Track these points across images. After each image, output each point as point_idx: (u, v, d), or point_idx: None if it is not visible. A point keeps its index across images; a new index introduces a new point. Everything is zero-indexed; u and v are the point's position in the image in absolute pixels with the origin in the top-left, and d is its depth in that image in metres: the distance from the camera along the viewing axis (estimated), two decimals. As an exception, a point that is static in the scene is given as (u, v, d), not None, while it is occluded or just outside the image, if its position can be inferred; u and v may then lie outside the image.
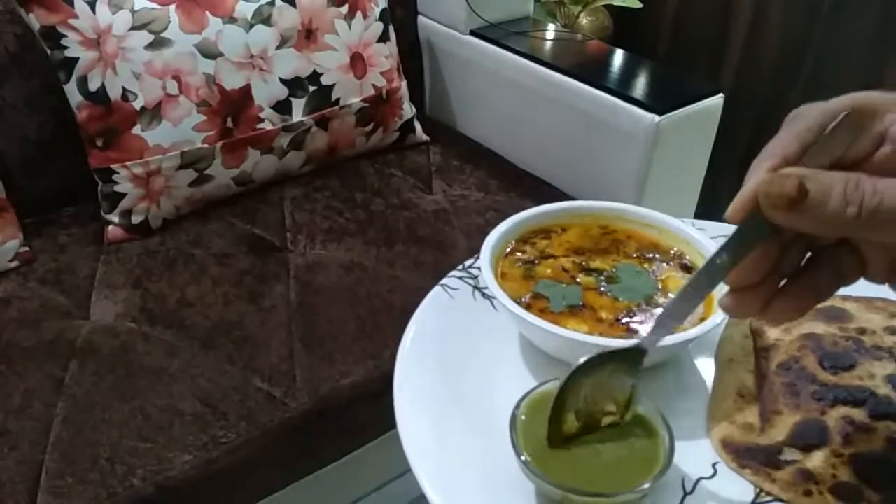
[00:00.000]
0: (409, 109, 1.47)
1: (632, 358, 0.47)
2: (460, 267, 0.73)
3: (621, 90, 1.29)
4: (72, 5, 1.13)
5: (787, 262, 0.39)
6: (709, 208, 1.38)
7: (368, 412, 1.01)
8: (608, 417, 0.49)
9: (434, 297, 0.70)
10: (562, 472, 0.46)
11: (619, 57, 1.46)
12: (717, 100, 1.32)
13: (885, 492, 0.46)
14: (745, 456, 0.51)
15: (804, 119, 0.38)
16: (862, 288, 0.62)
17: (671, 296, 0.62)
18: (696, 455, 0.52)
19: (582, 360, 0.47)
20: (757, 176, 0.37)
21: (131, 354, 0.98)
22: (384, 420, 1.05)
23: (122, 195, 1.19)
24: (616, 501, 0.45)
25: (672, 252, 0.67)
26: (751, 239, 0.38)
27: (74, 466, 0.85)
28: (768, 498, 0.49)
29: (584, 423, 0.49)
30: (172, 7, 1.18)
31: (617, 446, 0.48)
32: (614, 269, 0.65)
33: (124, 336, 1.01)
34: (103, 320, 1.05)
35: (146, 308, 1.06)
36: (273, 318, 1.05)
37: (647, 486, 0.45)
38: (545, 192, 1.39)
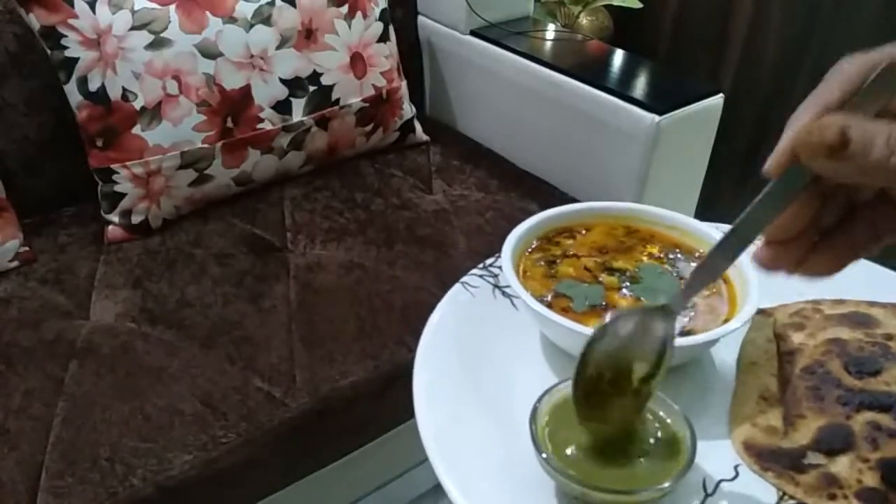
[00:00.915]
0: (409, 109, 1.47)
1: (663, 315, 0.46)
2: (481, 265, 0.73)
3: (621, 90, 1.29)
4: (72, 5, 1.12)
5: (825, 216, 0.39)
6: (709, 208, 1.38)
7: (368, 412, 1.01)
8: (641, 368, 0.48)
9: (454, 295, 0.70)
10: (582, 468, 0.46)
11: (619, 57, 1.46)
12: (717, 100, 1.32)
13: None
14: (768, 459, 0.50)
15: (845, 70, 0.37)
16: (889, 294, 0.61)
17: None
18: (717, 457, 0.52)
19: (610, 317, 0.46)
20: (797, 126, 0.36)
21: (131, 354, 0.98)
22: (384, 420, 1.06)
23: (122, 195, 1.18)
24: (636, 499, 0.45)
25: (696, 253, 0.66)
26: (789, 191, 0.37)
27: (74, 466, 0.84)
28: (791, 501, 0.48)
29: (612, 379, 0.48)
30: (172, 7, 1.17)
31: (638, 444, 0.48)
32: (637, 270, 0.65)
33: (124, 336, 1.01)
34: (103, 320, 1.05)
35: (146, 308, 1.06)
36: (273, 318, 1.05)
37: (667, 484, 0.45)
38: (545, 192, 1.39)
